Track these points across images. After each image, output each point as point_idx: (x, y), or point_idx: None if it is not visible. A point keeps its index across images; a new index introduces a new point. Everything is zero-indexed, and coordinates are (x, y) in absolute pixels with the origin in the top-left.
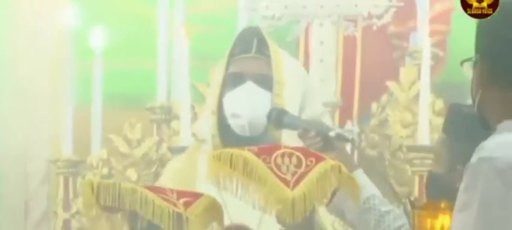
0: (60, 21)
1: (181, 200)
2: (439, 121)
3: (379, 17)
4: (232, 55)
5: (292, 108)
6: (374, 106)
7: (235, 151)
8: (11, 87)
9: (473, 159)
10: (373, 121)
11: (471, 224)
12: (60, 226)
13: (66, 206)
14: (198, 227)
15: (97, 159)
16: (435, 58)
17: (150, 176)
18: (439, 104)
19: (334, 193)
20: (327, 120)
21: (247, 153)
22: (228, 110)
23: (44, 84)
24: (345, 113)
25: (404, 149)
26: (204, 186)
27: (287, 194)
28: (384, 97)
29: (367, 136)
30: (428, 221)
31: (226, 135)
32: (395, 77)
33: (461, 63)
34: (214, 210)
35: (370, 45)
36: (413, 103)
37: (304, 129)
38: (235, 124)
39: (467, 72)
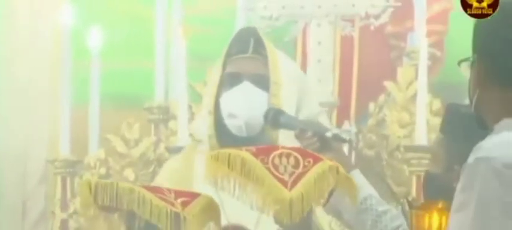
0: (58, 21)
1: (179, 200)
2: (437, 121)
3: (377, 17)
4: (229, 55)
5: (288, 108)
6: (371, 106)
7: (233, 151)
8: (8, 87)
9: (471, 159)
10: (371, 121)
11: (468, 224)
12: (57, 226)
13: (64, 206)
14: (195, 226)
15: (95, 159)
16: (432, 58)
17: (148, 176)
18: (437, 104)
19: (331, 193)
20: (324, 120)
21: (245, 153)
22: (224, 110)
23: (42, 84)
24: (343, 113)
25: (401, 149)
26: (201, 186)
27: (285, 194)
28: (382, 97)
29: (365, 136)
30: (426, 221)
31: (223, 135)
32: (392, 77)
33: (459, 63)
34: (212, 210)
35: (368, 45)
36: (411, 103)
37: (301, 129)
38: (232, 124)
39: (465, 72)
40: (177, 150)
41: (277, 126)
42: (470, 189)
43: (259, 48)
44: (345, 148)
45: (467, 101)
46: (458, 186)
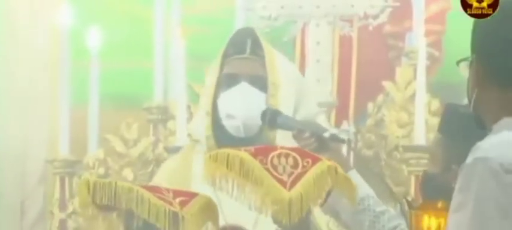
0: (57, 21)
1: (177, 200)
2: (435, 121)
3: (375, 17)
4: (226, 56)
5: (286, 108)
6: (370, 106)
7: (231, 151)
8: (8, 87)
9: (469, 159)
10: (369, 121)
11: (466, 225)
12: (56, 226)
13: (63, 206)
14: (193, 226)
15: (93, 159)
16: (431, 58)
17: (147, 176)
18: (435, 104)
19: (328, 194)
20: (322, 120)
21: (243, 154)
22: (222, 111)
23: (41, 84)
24: (341, 113)
25: (400, 149)
26: (200, 186)
27: (284, 195)
28: (380, 97)
29: (363, 136)
30: (425, 221)
31: (221, 135)
32: (391, 77)
33: (458, 62)
34: (210, 210)
35: (366, 45)
36: (409, 103)
37: (299, 129)
38: (229, 125)
39: (463, 71)
40: (175, 150)
41: (275, 126)
42: (468, 190)
43: (257, 48)
44: (344, 148)
45: (465, 101)
46: (457, 186)
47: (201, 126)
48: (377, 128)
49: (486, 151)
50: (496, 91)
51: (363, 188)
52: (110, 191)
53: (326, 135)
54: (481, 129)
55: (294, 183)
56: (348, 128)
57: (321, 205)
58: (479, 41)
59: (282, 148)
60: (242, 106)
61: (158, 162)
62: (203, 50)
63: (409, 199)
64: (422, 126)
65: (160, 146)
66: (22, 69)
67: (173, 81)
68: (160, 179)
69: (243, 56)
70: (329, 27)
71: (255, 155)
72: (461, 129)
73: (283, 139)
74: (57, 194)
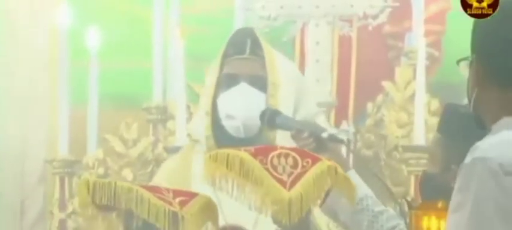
0: (56, 22)
1: (177, 199)
2: (435, 121)
3: (375, 17)
4: (225, 56)
5: (286, 108)
6: (369, 106)
7: (231, 151)
8: (7, 87)
9: (468, 159)
10: (369, 121)
11: (465, 225)
12: (56, 226)
13: (62, 206)
14: (193, 226)
15: (93, 159)
16: (430, 58)
17: (146, 176)
18: (435, 104)
19: (327, 194)
20: (322, 120)
21: (243, 154)
22: (222, 111)
23: (41, 84)
24: (341, 113)
25: (400, 149)
26: (199, 186)
27: (284, 195)
28: (380, 97)
29: (363, 136)
30: (425, 221)
31: (220, 135)
32: (390, 77)
33: (458, 62)
34: (210, 210)
35: (366, 45)
36: (409, 103)
37: (297, 130)
38: (229, 125)
39: (463, 71)
40: (175, 150)
41: (274, 126)
42: (467, 189)
43: (256, 48)
44: (343, 148)
45: (465, 101)
46: (456, 186)
47: (201, 126)
48: (376, 128)
49: (485, 151)
50: (496, 91)
51: (362, 188)
52: (110, 191)
53: (324, 135)
54: (480, 128)
55: (293, 183)
56: (347, 128)
57: (320, 206)
58: (479, 41)
59: (281, 148)
60: (242, 106)
61: (158, 162)
62: (202, 50)
63: (409, 199)
64: (421, 126)
65: (160, 146)
66: (22, 69)
67: (172, 81)
68: (160, 179)
69: (243, 56)
70: (328, 27)
71: (255, 155)
72: (460, 129)
73: (283, 139)
74: (56, 194)
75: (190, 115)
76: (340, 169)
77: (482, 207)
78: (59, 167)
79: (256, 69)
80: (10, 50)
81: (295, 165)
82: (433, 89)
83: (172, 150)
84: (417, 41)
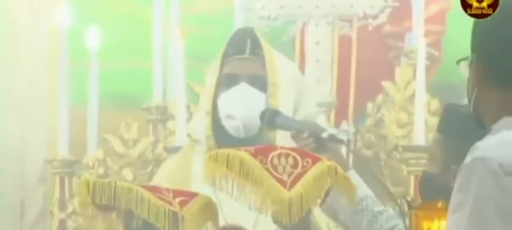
0: (56, 22)
1: (177, 199)
2: (435, 121)
3: (375, 17)
4: (226, 56)
5: (286, 108)
6: (369, 106)
7: (231, 151)
8: (7, 87)
9: (467, 159)
10: (369, 121)
11: (464, 225)
12: (55, 226)
13: (62, 206)
14: (193, 226)
15: (93, 159)
16: (430, 58)
17: (146, 176)
18: (435, 104)
19: (327, 193)
20: (322, 120)
21: (243, 154)
22: (222, 111)
23: (41, 84)
24: (341, 113)
25: (400, 149)
26: (199, 186)
27: (284, 194)
28: (380, 97)
29: (363, 136)
30: (425, 221)
31: (220, 136)
32: (390, 77)
33: (458, 62)
34: (210, 210)
35: (366, 45)
36: (409, 103)
37: (297, 130)
38: (229, 125)
39: (463, 71)
40: (175, 150)
41: (273, 126)
42: (467, 189)
43: (256, 48)
44: (343, 148)
45: (465, 101)
46: (455, 186)
47: (201, 126)
48: (376, 128)
49: (485, 151)
50: (496, 91)
51: (362, 188)
52: (110, 191)
53: (324, 135)
54: (480, 128)
55: (293, 183)
56: (347, 128)
57: (320, 205)
58: (479, 41)
59: (282, 148)
60: (242, 106)
61: (158, 162)
62: (202, 50)
63: (409, 199)
64: (421, 126)
65: (160, 146)
66: (22, 69)
67: (172, 81)
68: (160, 179)
69: (243, 56)
70: (328, 27)
71: (255, 155)
72: (460, 128)
73: (283, 139)
74: (56, 194)
75: (190, 115)
76: (340, 169)
77: (482, 207)
78: (59, 167)
79: (256, 69)
80: (10, 50)
81: (295, 165)
82: (433, 89)
83: (172, 150)
84: (417, 41)
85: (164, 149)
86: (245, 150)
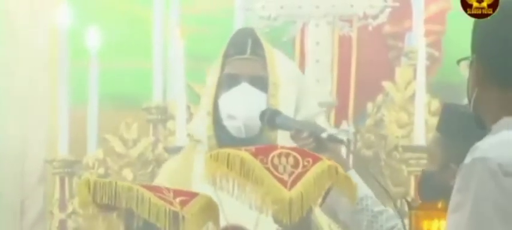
0: (56, 22)
1: (178, 199)
2: (435, 121)
3: (375, 17)
4: (226, 56)
5: (287, 108)
6: (369, 106)
7: (232, 151)
8: (7, 87)
9: (467, 159)
10: (369, 121)
11: (464, 225)
12: (56, 226)
13: (62, 206)
14: (194, 226)
15: (93, 159)
16: (430, 58)
17: (146, 176)
18: (435, 104)
19: (327, 193)
20: (322, 121)
21: (244, 153)
22: (223, 111)
23: (41, 84)
24: (341, 113)
25: (400, 149)
26: (200, 186)
27: (284, 194)
28: (380, 97)
29: (363, 136)
30: (425, 221)
31: (222, 136)
32: (390, 77)
33: (458, 62)
34: (211, 209)
35: (366, 45)
36: (409, 103)
37: (297, 130)
38: (230, 125)
39: (464, 70)
40: (175, 150)
41: (273, 126)
42: (466, 190)
43: (257, 49)
44: (342, 148)
45: (465, 101)
46: (455, 187)
47: (202, 126)
48: (376, 128)
49: (485, 152)
50: (496, 91)
51: (362, 188)
52: (110, 190)
53: (324, 135)
54: (480, 129)
55: (294, 183)
56: (347, 128)
57: (320, 205)
58: (479, 41)
59: (282, 147)
60: (243, 106)
61: (158, 162)
62: (202, 50)
63: (409, 199)
64: (422, 126)
65: (160, 146)
66: (22, 69)
67: (172, 81)
68: (162, 180)
69: (244, 56)
70: (328, 27)
71: (255, 155)
72: (460, 128)
73: (284, 139)
74: (57, 195)
75: (190, 116)
76: (340, 169)
77: (482, 207)
78: (59, 167)
79: (257, 69)
80: (10, 50)
81: (295, 165)
82: (433, 89)
83: (173, 150)
84: (417, 41)
85: (164, 149)
86: (246, 150)
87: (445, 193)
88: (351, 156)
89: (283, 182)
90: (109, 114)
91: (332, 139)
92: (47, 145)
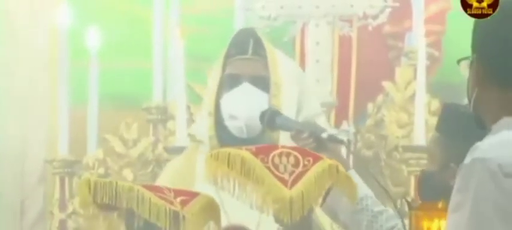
0: (56, 22)
1: (178, 199)
2: (435, 121)
3: (375, 17)
4: (228, 56)
5: (289, 108)
6: (370, 106)
7: (232, 150)
8: (7, 87)
9: (467, 159)
10: (369, 122)
11: (464, 225)
12: (56, 226)
13: (62, 207)
14: (194, 225)
15: (93, 159)
16: (430, 58)
17: (146, 176)
18: (435, 104)
19: (327, 193)
20: (322, 121)
21: (245, 153)
22: (225, 111)
23: (40, 84)
24: (341, 113)
25: (400, 149)
26: (203, 187)
27: (285, 193)
28: (380, 98)
29: (363, 136)
30: (425, 221)
31: (223, 136)
32: (390, 77)
33: (458, 61)
34: (212, 209)
35: (366, 45)
36: (409, 104)
37: (297, 130)
38: (232, 125)
39: (464, 70)
40: (175, 150)
41: (273, 127)
42: (466, 190)
43: (259, 49)
44: (343, 148)
45: (465, 101)
46: (455, 187)
47: (204, 126)
48: (377, 128)
49: (485, 152)
50: (496, 91)
51: (362, 188)
52: (111, 190)
53: (324, 135)
54: (480, 128)
55: (295, 182)
56: (347, 128)
57: (320, 205)
58: (479, 41)
59: (283, 147)
60: (244, 106)
61: (158, 162)
62: (202, 50)
63: (409, 199)
64: (422, 126)
65: (160, 146)
66: (22, 69)
67: (172, 81)
68: (164, 180)
69: (245, 57)
70: (328, 27)
71: (256, 154)
72: (459, 127)
73: (286, 139)
74: (57, 195)
75: (190, 116)
76: (341, 168)
77: (482, 207)
78: (59, 167)
79: (258, 69)
80: (10, 50)
81: (296, 164)
82: (433, 89)
83: (173, 150)
84: (417, 41)
85: (164, 149)
86: (246, 149)
87: (445, 193)
88: (351, 156)
89: (283, 181)
90: (109, 114)
91: (332, 139)
92: (47, 145)
